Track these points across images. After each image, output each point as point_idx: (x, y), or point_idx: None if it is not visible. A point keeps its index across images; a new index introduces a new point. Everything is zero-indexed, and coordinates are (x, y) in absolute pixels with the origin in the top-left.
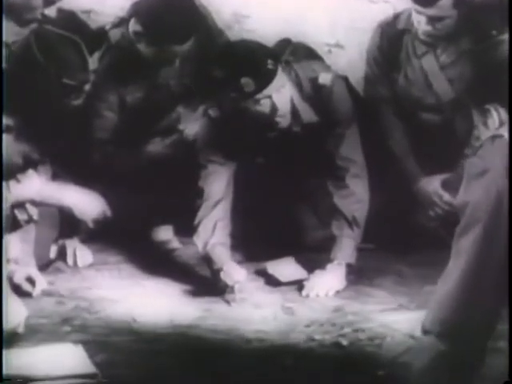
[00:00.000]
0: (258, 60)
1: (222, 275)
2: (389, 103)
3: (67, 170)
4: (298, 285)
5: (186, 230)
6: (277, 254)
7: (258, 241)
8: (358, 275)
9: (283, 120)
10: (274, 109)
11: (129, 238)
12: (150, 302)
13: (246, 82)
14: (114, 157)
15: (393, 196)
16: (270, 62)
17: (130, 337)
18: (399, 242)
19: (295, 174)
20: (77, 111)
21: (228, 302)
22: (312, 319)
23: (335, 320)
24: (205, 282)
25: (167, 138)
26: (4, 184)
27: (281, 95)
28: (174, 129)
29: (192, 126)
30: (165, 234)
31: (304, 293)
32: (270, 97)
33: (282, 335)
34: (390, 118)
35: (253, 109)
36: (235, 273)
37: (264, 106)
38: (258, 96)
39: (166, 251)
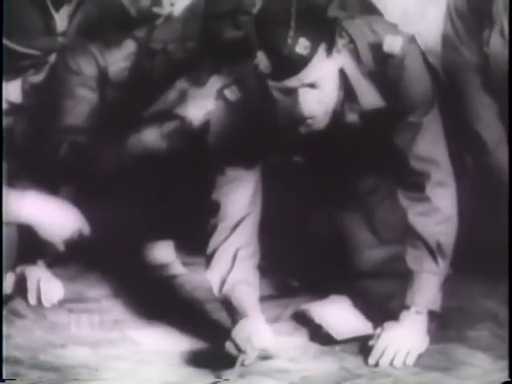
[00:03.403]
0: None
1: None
2: (476, 73)
3: (27, 170)
4: (360, 343)
5: (191, 246)
6: (322, 286)
7: (294, 269)
8: (441, 323)
9: (314, 122)
10: (295, 108)
11: (113, 264)
12: (144, 374)
13: (261, 60)
14: (92, 151)
15: (480, 202)
16: (301, 42)
17: None
18: (490, 268)
19: (347, 180)
20: (38, 90)
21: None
22: None
23: None
24: (222, 334)
25: (164, 125)
26: None
27: (312, 92)
28: (173, 112)
29: (199, 108)
30: (163, 253)
31: (372, 360)
32: (293, 91)
33: None
34: (477, 93)
35: (280, 97)
36: (257, 334)
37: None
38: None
39: (165, 280)
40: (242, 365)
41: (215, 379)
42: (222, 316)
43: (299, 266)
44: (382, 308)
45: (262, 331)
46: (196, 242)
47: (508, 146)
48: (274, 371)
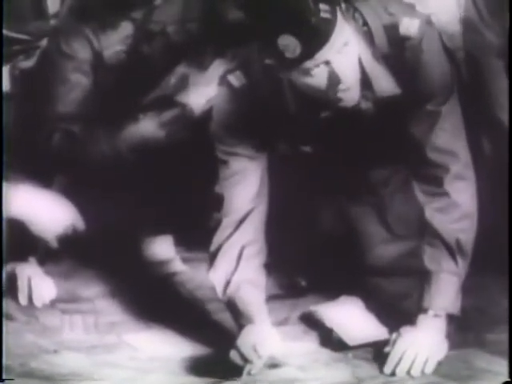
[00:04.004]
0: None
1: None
2: (499, 57)
3: (18, 162)
4: (374, 349)
5: (192, 241)
6: (332, 286)
7: (302, 266)
8: (459, 326)
9: (348, 95)
10: (333, 81)
11: (109, 261)
12: (142, 382)
13: (288, 42)
14: (87, 141)
15: (501, 196)
16: (322, 7)
17: None
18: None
19: (359, 172)
20: (29, 76)
21: None
22: None
23: None
24: (226, 338)
25: (164, 113)
26: None
27: (344, 58)
28: (173, 99)
29: (201, 94)
30: (162, 249)
31: (388, 369)
32: (327, 63)
33: None
34: (500, 79)
35: (300, 82)
36: (263, 341)
37: (318, 78)
38: (308, 64)
39: (164, 278)
40: (249, 374)
41: None
42: (225, 317)
43: (307, 263)
44: (397, 310)
45: (268, 338)
46: (197, 237)
47: (508, 143)
48: (283, 381)
